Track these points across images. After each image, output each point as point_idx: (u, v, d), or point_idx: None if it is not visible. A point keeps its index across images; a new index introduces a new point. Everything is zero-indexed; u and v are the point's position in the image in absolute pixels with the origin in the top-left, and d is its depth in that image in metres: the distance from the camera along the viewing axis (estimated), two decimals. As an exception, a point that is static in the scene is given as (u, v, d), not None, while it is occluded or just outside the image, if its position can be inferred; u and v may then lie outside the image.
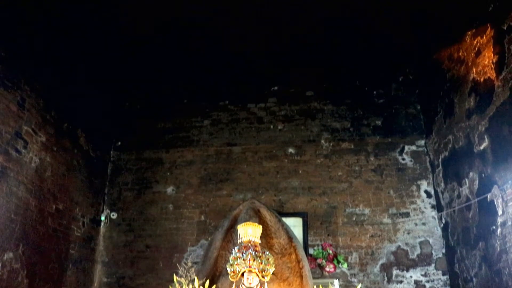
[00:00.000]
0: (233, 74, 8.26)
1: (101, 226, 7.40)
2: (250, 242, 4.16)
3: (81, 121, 6.87)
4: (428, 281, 6.57)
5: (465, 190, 5.70)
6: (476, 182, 5.38)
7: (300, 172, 7.40)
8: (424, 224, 6.83)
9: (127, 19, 6.95)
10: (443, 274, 6.56)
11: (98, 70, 7.53)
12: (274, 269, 4.12)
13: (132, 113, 8.26)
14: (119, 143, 8.01)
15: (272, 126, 7.82)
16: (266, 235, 4.83)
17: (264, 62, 8.12)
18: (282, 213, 6.93)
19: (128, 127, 8.12)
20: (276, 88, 8.10)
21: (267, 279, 4.00)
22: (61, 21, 6.38)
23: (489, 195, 5.00)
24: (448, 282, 6.47)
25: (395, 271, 6.68)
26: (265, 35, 7.30)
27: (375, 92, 7.76)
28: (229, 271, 4.09)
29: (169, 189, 7.54)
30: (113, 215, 7.42)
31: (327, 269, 6.21)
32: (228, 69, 8.26)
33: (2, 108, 5.00)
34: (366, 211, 7.00)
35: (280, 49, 7.70)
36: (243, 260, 3.98)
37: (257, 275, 3.96)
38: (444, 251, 6.62)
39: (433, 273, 6.61)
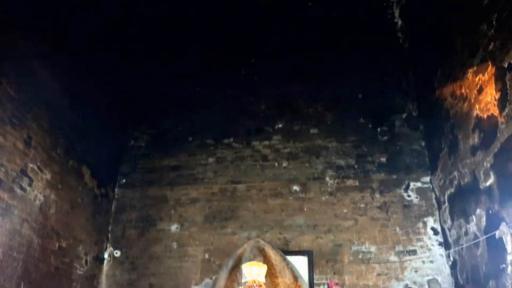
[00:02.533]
0: (237, 112, 8.35)
1: (104, 264, 7.32)
2: (255, 282, 4.11)
3: (87, 159, 6.91)
4: (437, 322, 6.39)
5: (472, 227, 5.62)
6: (484, 219, 5.30)
7: (305, 209, 7.34)
8: (431, 262, 6.70)
9: (134, 57, 7.10)
10: (453, 315, 6.39)
11: (104, 108, 7.62)
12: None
13: (137, 151, 8.32)
14: (124, 181, 8.03)
15: (276, 164, 7.82)
16: (271, 274, 4.77)
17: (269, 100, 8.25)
18: (287, 251, 6.87)
19: (133, 165, 8.17)
20: (280, 125, 8.15)
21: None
22: (65, 60, 6.52)
23: (497, 232, 4.92)
24: (459, 322, 6.30)
25: (403, 311, 6.52)
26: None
27: (379, 129, 7.79)
28: (233, 311, 4.01)
29: (173, 227, 7.49)
30: (116, 253, 7.35)
31: (334, 308, 6.07)
32: (232, 107, 8.38)
33: (9, 146, 5.05)
34: (372, 249, 6.90)
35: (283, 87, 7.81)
36: (248, 299, 3.92)
37: (262, 314, 3.88)
38: (453, 290, 6.48)
39: (443, 314, 6.44)
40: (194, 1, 9.43)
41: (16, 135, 5.21)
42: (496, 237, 4.93)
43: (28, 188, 5.38)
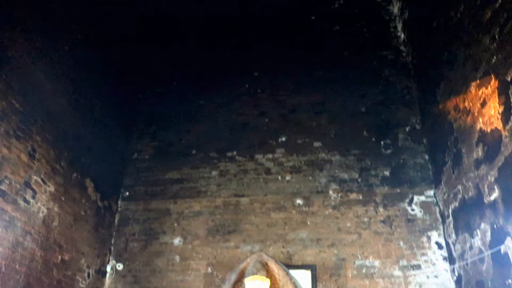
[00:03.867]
0: (240, 125, 8.39)
1: (107, 277, 7.28)
2: (257, 295, 4.07)
3: (90, 171, 6.93)
4: (442, 338, 6.31)
5: (477, 242, 5.58)
6: (488, 233, 5.26)
7: (308, 223, 7.31)
8: (436, 276, 6.64)
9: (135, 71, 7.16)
10: (458, 331, 6.31)
11: (108, 121, 7.66)
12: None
13: (140, 164, 8.34)
14: (127, 193, 8.04)
15: (280, 177, 7.81)
16: (274, 288, 4.74)
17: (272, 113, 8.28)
18: (290, 265, 6.82)
19: (137, 178, 8.19)
20: (283, 139, 8.16)
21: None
22: (70, 73, 6.57)
23: (502, 247, 4.88)
24: None
25: (408, 327, 6.45)
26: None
27: (382, 143, 7.78)
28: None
29: (176, 240, 7.46)
30: (119, 266, 7.32)
31: (337, 324, 6.00)
32: (235, 120, 8.41)
33: (13, 158, 5.07)
34: (376, 263, 6.84)
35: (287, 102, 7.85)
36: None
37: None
38: (458, 306, 6.40)
39: (448, 330, 6.36)
40: (197, 15, 9.56)
41: (21, 147, 5.23)
42: (502, 252, 4.89)
43: (31, 200, 5.39)
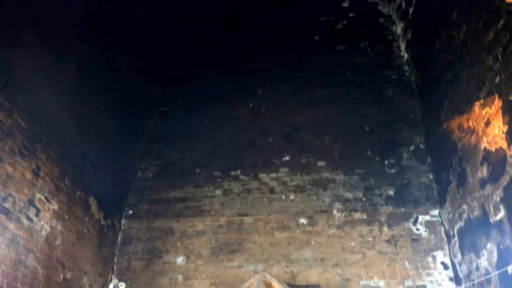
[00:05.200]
0: (244, 144, 8.40)
1: (109, 297, 7.23)
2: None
3: (94, 190, 6.93)
4: None
5: (483, 262, 5.51)
6: (495, 253, 5.20)
7: (312, 243, 7.25)
8: (442, 298, 6.55)
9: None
10: None
11: (112, 139, 7.69)
12: None
13: (144, 182, 8.34)
14: (130, 212, 8.02)
15: (283, 196, 7.78)
16: (277, 308, 4.68)
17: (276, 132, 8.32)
18: (294, 285, 6.75)
19: (140, 196, 8.18)
20: (287, 158, 8.15)
21: None
22: (75, 92, 6.63)
23: (509, 268, 4.81)
24: None
25: None
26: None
27: (386, 162, 7.76)
28: None
29: (179, 259, 7.41)
30: (121, 285, 7.26)
31: None
32: (239, 139, 8.44)
33: (18, 176, 5.09)
34: (381, 283, 6.75)
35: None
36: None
37: None
38: (465, 328, 6.30)
39: None
40: (201, 35, 9.67)
41: (25, 165, 5.25)
42: (509, 272, 4.83)
43: (35, 218, 5.39)
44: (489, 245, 5.34)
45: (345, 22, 9.84)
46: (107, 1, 7.49)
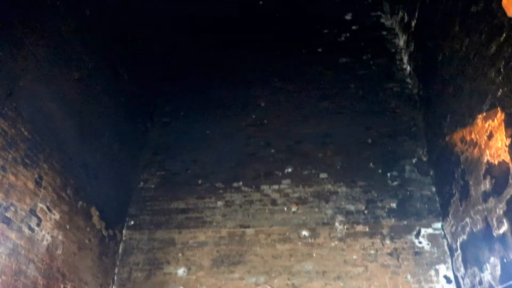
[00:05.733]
0: (246, 156, 8.41)
1: (109, 308, 7.18)
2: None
3: (96, 200, 6.93)
4: None
5: (487, 276, 5.47)
6: (498, 267, 5.17)
7: (314, 255, 7.21)
8: (445, 312, 6.49)
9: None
10: None
11: (114, 149, 7.70)
12: None
13: (146, 193, 8.33)
14: (132, 222, 8.00)
15: (285, 208, 7.76)
16: (278, 320, 4.65)
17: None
18: (296, 298, 6.70)
19: (142, 207, 8.16)
20: (289, 170, 8.14)
21: None
22: (78, 102, 6.66)
23: (512, 282, 4.79)
24: None
25: None
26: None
27: (388, 174, 7.75)
28: None
29: (180, 271, 7.37)
30: (121, 296, 7.23)
31: None
32: (241, 151, 8.44)
33: (20, 186, 5.09)
34: (384, 297, 6.71)
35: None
36: None
37: None
38: None
39: None
40: (204, 46, 9.74)
41: (28, 175, 5.26)
42: (512, 287, 4.79)
43: (36, 228, 5.38)
44: (492, 259, 5.30)
45: (348, 34, 9.89)
46: (111, 12, 7.56)
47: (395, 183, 7.66)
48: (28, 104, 5.37)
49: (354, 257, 7.08)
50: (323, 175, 7.98)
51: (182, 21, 10.49)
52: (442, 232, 7.05)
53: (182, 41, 10.37)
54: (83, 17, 6.72)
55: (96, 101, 7.08)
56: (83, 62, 6.73)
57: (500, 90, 4.90)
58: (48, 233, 5.63)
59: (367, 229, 7.31)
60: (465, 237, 6.19)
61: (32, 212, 5.32)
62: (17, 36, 5.22)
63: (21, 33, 5.29)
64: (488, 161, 5.31)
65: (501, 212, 5.00)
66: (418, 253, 6.96)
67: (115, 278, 7.45)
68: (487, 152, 5.31)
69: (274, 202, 7.85)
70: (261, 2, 10.79)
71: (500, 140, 4.96)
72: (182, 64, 10.19)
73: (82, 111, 6.66)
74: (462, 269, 6.33)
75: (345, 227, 7.40)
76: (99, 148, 7.15)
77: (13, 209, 4.95)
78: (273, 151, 8.44)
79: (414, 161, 7.81)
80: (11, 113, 5.06)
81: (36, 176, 5.43)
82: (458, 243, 6.44)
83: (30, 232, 5.25)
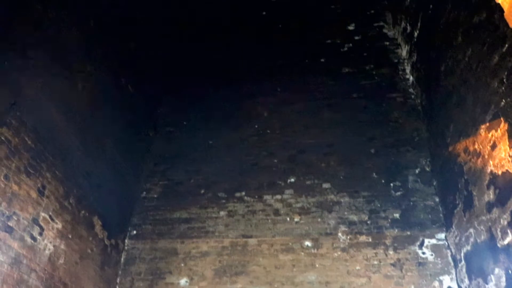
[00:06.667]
0: (249, 166, 8.40)
1: (111, 319, 7.15)
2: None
3: (98, 209, 6.93)
4: None
5: (492, 287, 5.42)
6: (503, 279, 5.12)
7: (317, 265, 7.17)
8: (449, 324, 6.43)
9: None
10: None
11: (117, 159, 7.71)
12: None
13: (149, 202, 8.33)
14: (134, 232, 7.99)
15: (288, 218, 7.73)
16: (281, 331, 4.61)
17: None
18: (299, 309, 6.66)
19: (144, 216, 8.16)
20: (292, 180, 8.13)
21: None
22: (81, 111, 6.69)
23: (517, 294, 4.74)
24: None
25: None
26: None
27: (392, 185, 7.72)
28: None
29: (182, 281, 7.34)
30: (123, 306, 7.20)
31: None
32: (244, 161, 8.44)
33: (23, 194, 5.10)
34: (387, 308, 6.66)
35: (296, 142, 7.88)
36: None
37: None
38: None
39: None
40: (208, 56, 9.78)
41: (31, 184, 5.27)
42: (516, 298, 4.75)
43: (38, 237, 5.37)
44: (497, 270, 5.26)
45: (351, 45, 9.93)
46: (115, 23, 7.61)
47: (398, 193, 7.63)
48: (32, 113, 5.40)
49: (357, 267, 7.04)
50: (326, 185, 7.96)
51: (186, 32, 10.56)
52: (446, 243, 7.00)
53: (185, 51, 10.43)
54: (87, 28, 6.77)
55: (99, 111, 7.11)
56: (87, 72, 6.77)
57: (503, 100, 4.89)
58: (51, 242, 5.63)
59: (370, 240, 7.27)
60: (469, 247, 6.15)
61: (35, 221, 5.32)
62: (21, 46, 5.26)
63: (25, 43, 5.33)
64: (491, 171, 5.29)
65: (505, 222, 4.97)
66: (421, 263, 6.91)
67: (117, 287, 7.44)
68: (491, 162, 5.29)
69: (276, 212, 7.83)
70: (264, 13, 10.87)
71: (503, 150, 4.95)
72: (186, 75, 10.24)
73: (86, 121, 6.69)
74: (466, 280, 6.28)
75: (348, 237, 7.36)
76: (102, 158, 7.17)
77: (16, 218, 4.96)
78: (276, 161, 8.44)
79: (417, 171, 7.79)
80: (15, 122, 5.09)
81: (39, 185, 5.44)
82: (462, 254, 6.39)
83: (32, 241, 5.25)
